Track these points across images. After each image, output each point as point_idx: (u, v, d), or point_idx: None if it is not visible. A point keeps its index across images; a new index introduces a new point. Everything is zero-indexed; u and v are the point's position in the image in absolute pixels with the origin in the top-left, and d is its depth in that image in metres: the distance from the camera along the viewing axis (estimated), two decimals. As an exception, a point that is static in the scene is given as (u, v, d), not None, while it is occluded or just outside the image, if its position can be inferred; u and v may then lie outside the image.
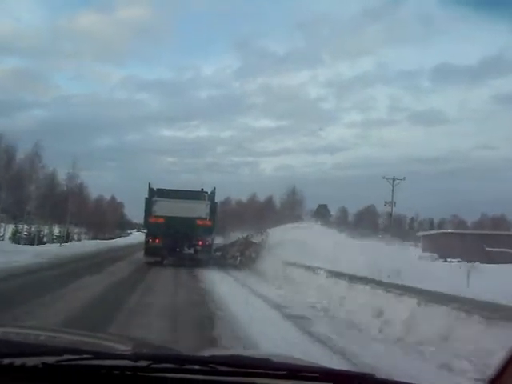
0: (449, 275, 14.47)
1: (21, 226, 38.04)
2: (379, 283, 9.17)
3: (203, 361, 1.42)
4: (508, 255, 34.72)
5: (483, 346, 5.04)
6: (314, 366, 1.58)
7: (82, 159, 72.36)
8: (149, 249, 19.39)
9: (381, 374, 1.51)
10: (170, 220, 18.75)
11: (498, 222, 63.89)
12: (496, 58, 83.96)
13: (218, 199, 22.16)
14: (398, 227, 56.24)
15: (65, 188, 42.08)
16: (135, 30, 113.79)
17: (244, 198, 56.95)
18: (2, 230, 37.71)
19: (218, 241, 24.99)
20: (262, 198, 57.21)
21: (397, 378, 1.58)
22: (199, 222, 19.14)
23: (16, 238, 35.68)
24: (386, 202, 47.68)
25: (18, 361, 1.33)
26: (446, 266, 20.94)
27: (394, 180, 46.71)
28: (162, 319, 7.79)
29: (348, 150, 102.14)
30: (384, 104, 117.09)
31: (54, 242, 35.57)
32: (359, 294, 8.91)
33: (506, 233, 46.79)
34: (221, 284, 13.16)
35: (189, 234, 19.01)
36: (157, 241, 19.10)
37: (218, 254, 23.34)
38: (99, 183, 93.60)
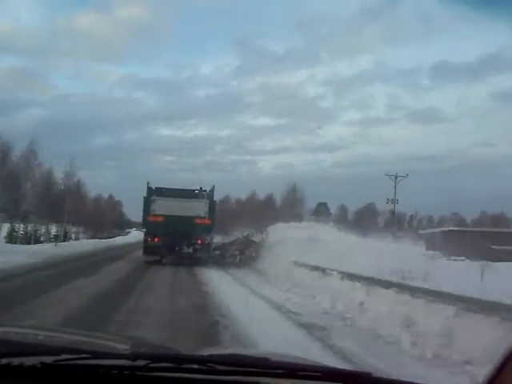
0: (468, 275, 13.25)
1: (17, 225, 37.57)
2: (400, 286, 8.21)
3: (202, 360, 1.41)
4: (513, 253, 34.49)
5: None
6: (314, 365, 1.57)
7: (81, 158, 72.70)
8: (148, 248, 19.41)
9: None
10: (168, 219, 18.76)
11: (498, 219, 63.83)
12: (494, 55, 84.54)
13: (216, 198, 22.25)
14: (398, 225, 56.07)
15: (62, 186, 41.93)
16: (133, 29, 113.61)
17: (243, 197, 56.88)
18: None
19: (217, 239, 24.97)
20: (261, 196, 57.15)
21: None
22: (198, 221, 19.15)
23: (12, 238, 35.31)
24: (388, 200, 46.50)
25: (16, 360, 1.33)
26: (459, 266, 20.20)
27: (396, 177, 45.52)
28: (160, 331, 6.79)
29: (347, 149, 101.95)
30: (382, 102, 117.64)
31: (51, 242, 35.21)
32: (381, 299, 8.00)
33: (511, 230, 46.61)
34: (221, 284, 12.69)
35: (188, 233, 19.02)
36: (156, 240, 19.12)
37: (217, 252, 23.37)
38: (98, 182, 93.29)
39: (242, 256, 20.89)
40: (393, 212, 49.12)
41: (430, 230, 50.50)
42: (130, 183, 71.97)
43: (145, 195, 20.18)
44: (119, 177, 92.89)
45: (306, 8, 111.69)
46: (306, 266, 13.24)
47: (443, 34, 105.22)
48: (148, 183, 20.41)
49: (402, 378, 1.50)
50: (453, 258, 32.70)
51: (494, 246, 37.14)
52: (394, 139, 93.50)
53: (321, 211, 60.32)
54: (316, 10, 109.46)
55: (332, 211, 68.48)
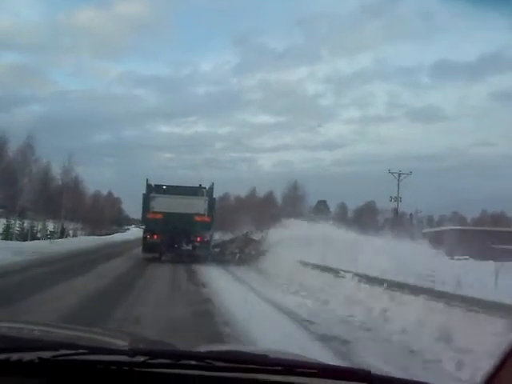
0: (490, 277, 12.29)
1: (13, 221, 37.07)
2: (428, 291, 7.22)
3: (200, 356, 1.41)
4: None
5: None
6: (312, 362, 1.57)
7: (80, 155, 72.63)
8: (147, 245, 19.39)
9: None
10: (168, 216, 18.75)
11: (499, 218, 63.81)
12: (495, 54, 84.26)
13: (216, 195, 22.22)
14: (399, 224, 55.93)
15: (60, 182, 41.65)
16: (133, 26, 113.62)
17: (243, 194, 56.84)
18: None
19: (217, 237, 24.95)
20: (260, 193, 57.11)
21: None
22: (197, 218, 19.14)
23: (8, 234, 34.79)
24: (391, 198, 45.42)
25: (14, 356, 1.33)
26: (474, 266, 19.61)
27: (399, 175, 44.47)
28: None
29: (347, 147, 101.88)
30: (382, 100, 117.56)
31: (48, 238, 34.78)
32: (408, 307, 7.11)
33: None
34: (222, 286, 12.00)
35: (187, 230, 19.00)
36: (155, 237, 19.09)
37: (217, 250, 23.36)
38: (97, 179, 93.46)
39: (242, 254, 20.88)
40: (396, 210, 48.14)
41: (433, 229, 50.33)
42: (129, 180, 71.88)
43: (144, 192, 20.15)
44: (118, 174, 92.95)
45: (307, 5, 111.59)
46: (313, 266, 12.49)
47: (444, 32, 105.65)
48: (147, 180, 20.36)
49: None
50: (456, 257, 32.62)
51: (500, 246, 37.17)
52: (393, 138, 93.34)
53: (320, 209, 60.24)
54: (316, 8, 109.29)
55: (331, 209, 68.58)
